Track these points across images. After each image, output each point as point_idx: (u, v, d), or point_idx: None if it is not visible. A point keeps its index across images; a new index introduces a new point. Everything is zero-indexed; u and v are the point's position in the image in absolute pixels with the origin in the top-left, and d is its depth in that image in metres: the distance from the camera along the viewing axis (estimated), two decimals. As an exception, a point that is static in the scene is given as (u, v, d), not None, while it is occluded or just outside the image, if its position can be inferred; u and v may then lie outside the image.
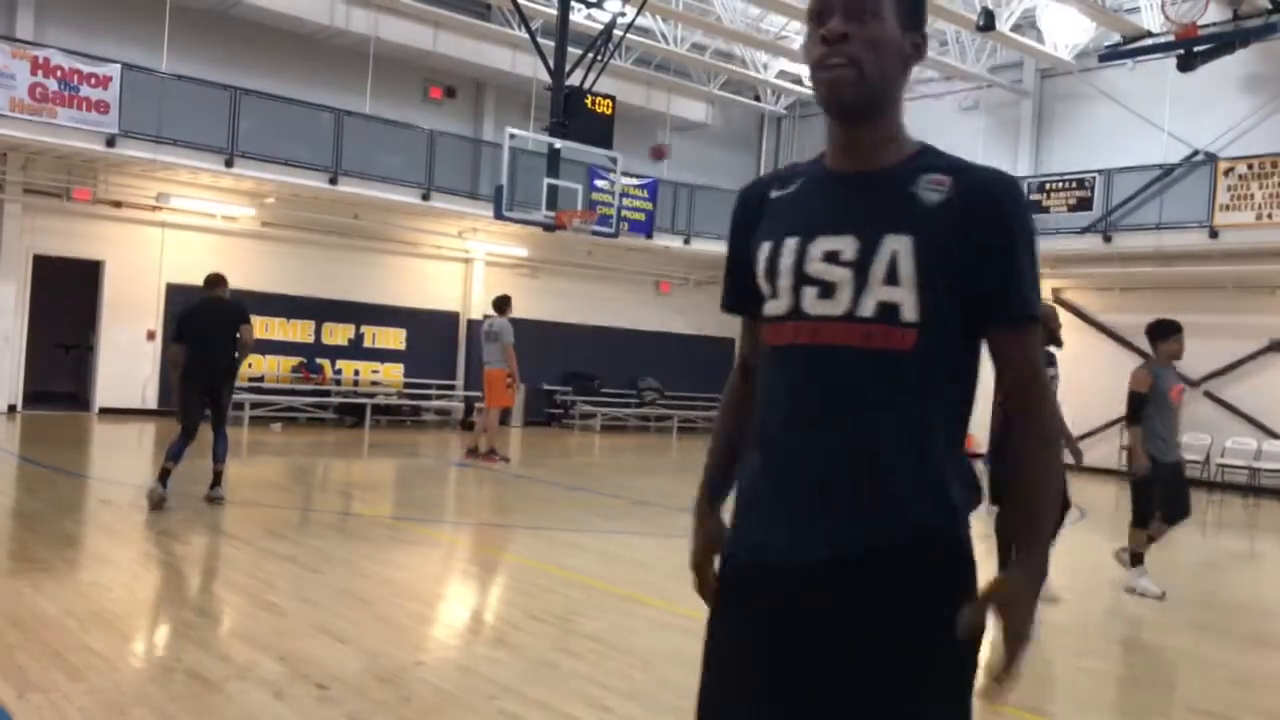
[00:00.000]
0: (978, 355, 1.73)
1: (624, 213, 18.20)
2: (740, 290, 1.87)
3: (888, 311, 1.63)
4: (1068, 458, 5.83)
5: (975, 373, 1.73)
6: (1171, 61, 16.19)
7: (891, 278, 1.63)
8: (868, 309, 1.64)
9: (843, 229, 1.68)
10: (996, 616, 1.62)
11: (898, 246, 1.63)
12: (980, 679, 1.64)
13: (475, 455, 13.33)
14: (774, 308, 1.74)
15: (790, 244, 1.72)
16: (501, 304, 13.38)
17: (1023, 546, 1.66)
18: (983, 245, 1.63)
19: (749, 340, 1.97)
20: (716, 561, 1.87)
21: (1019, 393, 1.70)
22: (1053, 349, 6.16)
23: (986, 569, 1.65)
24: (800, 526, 1.67)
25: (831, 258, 1.67)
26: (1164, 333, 7.03)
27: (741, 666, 1.73)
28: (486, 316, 13.75)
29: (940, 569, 1.64)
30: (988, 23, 16.30)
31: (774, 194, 1.82)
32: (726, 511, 1.90)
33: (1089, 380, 14.12)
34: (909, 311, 1.63)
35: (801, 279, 1.70)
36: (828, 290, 1.67)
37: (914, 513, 1.64)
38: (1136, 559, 7.05)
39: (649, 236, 20.33)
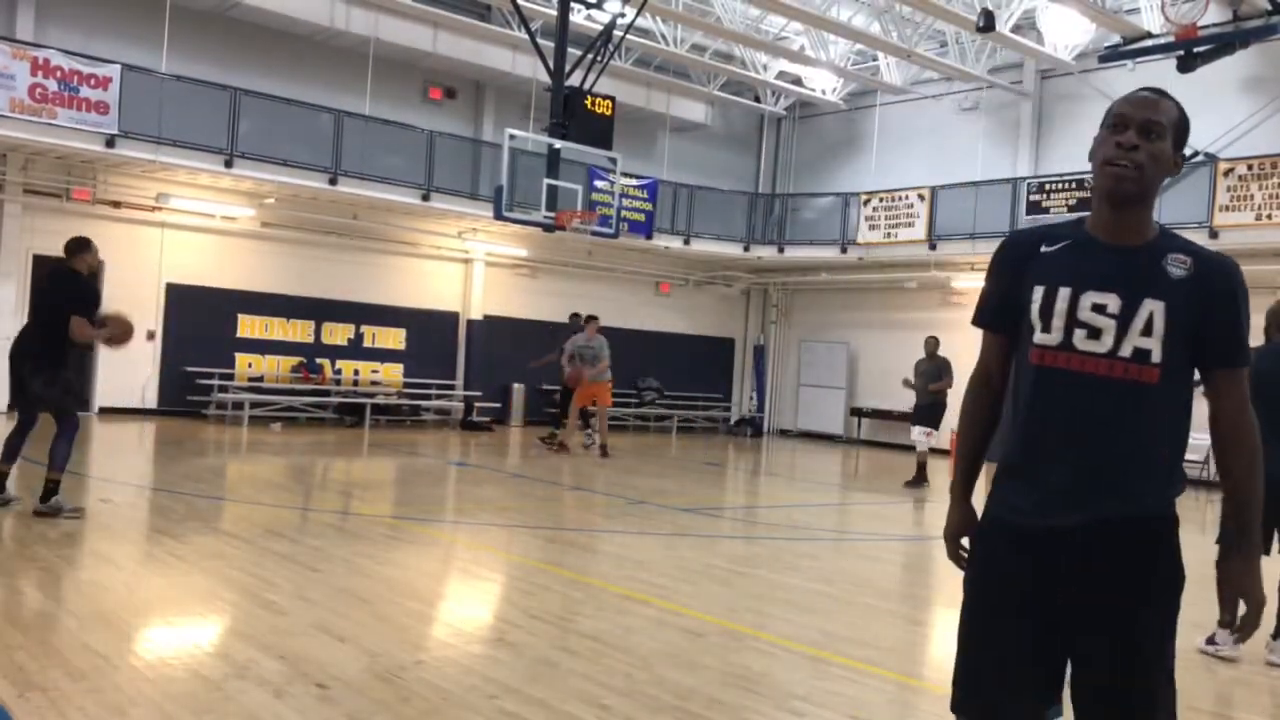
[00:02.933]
0: (1193, 391, 2.34)
1: (624, 213, 18.18)
2: (998, 313, 2.47)
3: (1141, 354, 2.24)
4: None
5: (1191, 403, 2.34)
6: (1171, 62, 16.17)
7: (1147, 330, 2.24)
8: (1126, 351, 2.25)
9: (1108, 287, 2.27)
10: (1238, 594, 2.35)
11: (1154, 308, 2.23)
12: (1239, 626, 2.40)
13: (604, 453, 14.96)
14: (1046, 339, 2.32)
15: (1064, 293, 2.30)
16: (589, 320, 15.61)
17: (1239, 537, 2.34)
18: (1213, 311, 2.25)
19: (995, 353, 2.51)
20: (965, 539, 2.53)
21: (1234, 417, 2.30)
22: None
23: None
24: (1055, 498, 2.29)
25: (1099, 309, 2.26)
26: None
27: (1001, 594, 2.36)
28: (575, 329, 15.79)
29: (1155, 537, 2.29)
30: (988, 24, 16.28)
31: (1044, 249, 2.39)
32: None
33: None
34: (1156, 355, 2.24)
35: (1074, 322, 2.28)
36: (1094, 333, 2.27)
37: (1140, 499, 2.27)
38: None
39: (649, 237, 20.33)
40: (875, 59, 20.99)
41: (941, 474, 14.72)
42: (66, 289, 7.37)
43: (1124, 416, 2.26)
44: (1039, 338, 2.33)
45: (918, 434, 13.88)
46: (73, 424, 7.42)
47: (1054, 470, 2.30)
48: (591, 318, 15.66)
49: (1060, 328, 2.29)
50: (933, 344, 13.83)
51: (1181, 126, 2.36)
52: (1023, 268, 2.40)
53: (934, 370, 13.63)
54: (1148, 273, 2.26)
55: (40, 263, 15.71)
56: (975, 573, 2.45)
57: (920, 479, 13.79)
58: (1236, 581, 2.34)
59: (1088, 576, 2.26)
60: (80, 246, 7.55)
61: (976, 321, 2.54)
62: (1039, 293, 2.33)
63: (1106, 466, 2.26)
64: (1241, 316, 2.28)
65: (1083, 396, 2.28)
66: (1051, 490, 2.30)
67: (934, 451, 14.33)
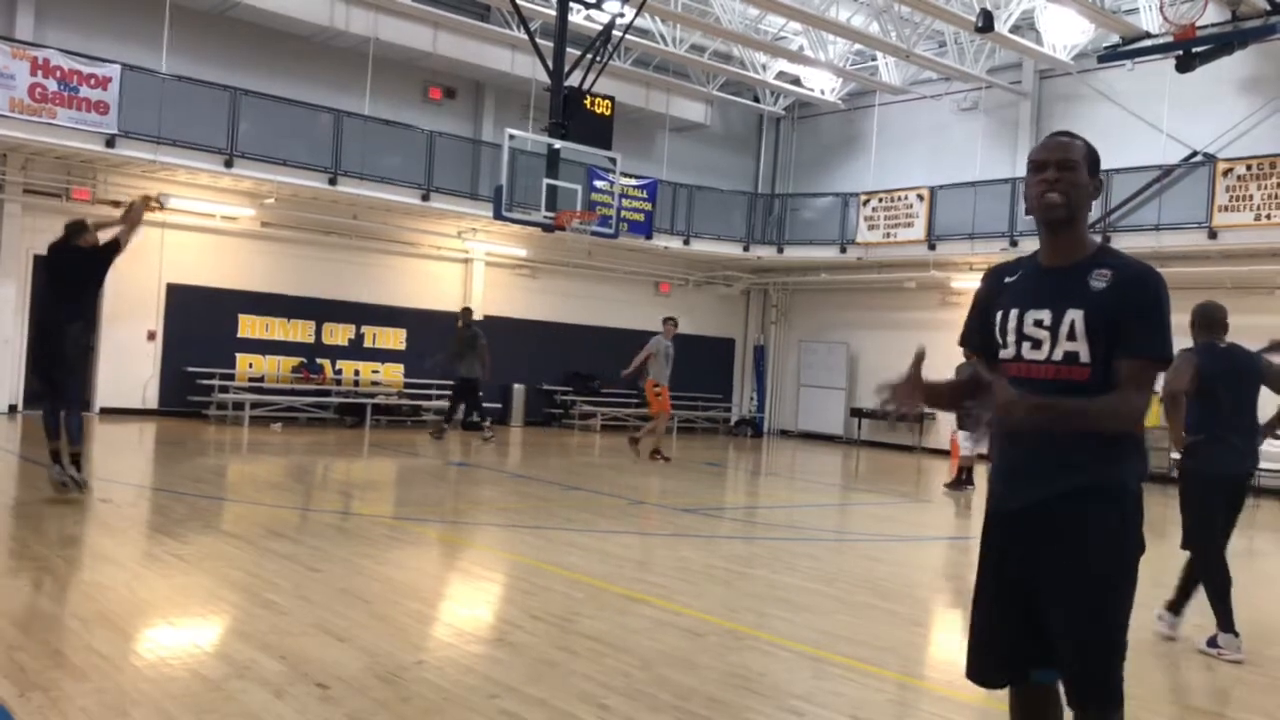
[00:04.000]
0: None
1: (623, 213, 18.20)
2: (978, 335, 2.90)
3: (1070, 356, 2.65)
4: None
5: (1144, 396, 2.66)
6: (1170, 62, 16.19)
7: (1071, 336, 2.64)
8: (1058, 355, 2.66)
9: (1043, 304, 2.70)
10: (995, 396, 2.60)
11: (1075, 316, 2.64)
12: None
13: (645, 453, 14.98)
14: (1005, 354, 2.78)
15: (1014, 313, 2.76)
16: (663, 321, 15.46)
17: (1054, 402, 2.62)
18: (1127, 311, 2.60)
19: (982, 364, 2.93)
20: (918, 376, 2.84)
21: (1121, 392, 2.59)
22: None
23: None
24: (1021, 483, 2.73)
25: (1038, 324, 2.70)
26: None
27: (987, 572, 2.82)
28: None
29: (1108, 506, 2.64)
30: (986, 24, 16.28)
31: (1007, 279, 2.86)
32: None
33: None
34: (1084, 356, 2.63)
35: (1021, 336, 2.74)
36: (1036, 344, 2.70)
37: (1088, 474, 2.63)
38: None
39: (648, 237, 20.34)
40: (874, 59, 21.00)
41: (979, 476, 14.68)
42: (94, 268, 8.12)
43: None
44: (1001, 353, 2.80)
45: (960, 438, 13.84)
46: (80, 402, 8.20)
47: (1014, 457, 2.77)
48: (670, 319, 15.41)
49: (1013, 342, 2.76)
50: None
51: (1092, 159, 2.75)
52: (993, 297, 2.86)
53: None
54: (1074, 288, 2.66)
55: (40, 263, 15.76)
56: (979, 557, 2.89)
57: (967, 480, 13.61)
58: (1000, 394, 2.57)
59: (1042, 542, 2.67)
60: (83, 226, 8.24)
61: (961, 343, 3.01)
62: (999, 316, 2.80)
63: (1052, 450, 2.65)
64: (1146, 315, 2.60)
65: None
66: (1014, 475, 2.76)
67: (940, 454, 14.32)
